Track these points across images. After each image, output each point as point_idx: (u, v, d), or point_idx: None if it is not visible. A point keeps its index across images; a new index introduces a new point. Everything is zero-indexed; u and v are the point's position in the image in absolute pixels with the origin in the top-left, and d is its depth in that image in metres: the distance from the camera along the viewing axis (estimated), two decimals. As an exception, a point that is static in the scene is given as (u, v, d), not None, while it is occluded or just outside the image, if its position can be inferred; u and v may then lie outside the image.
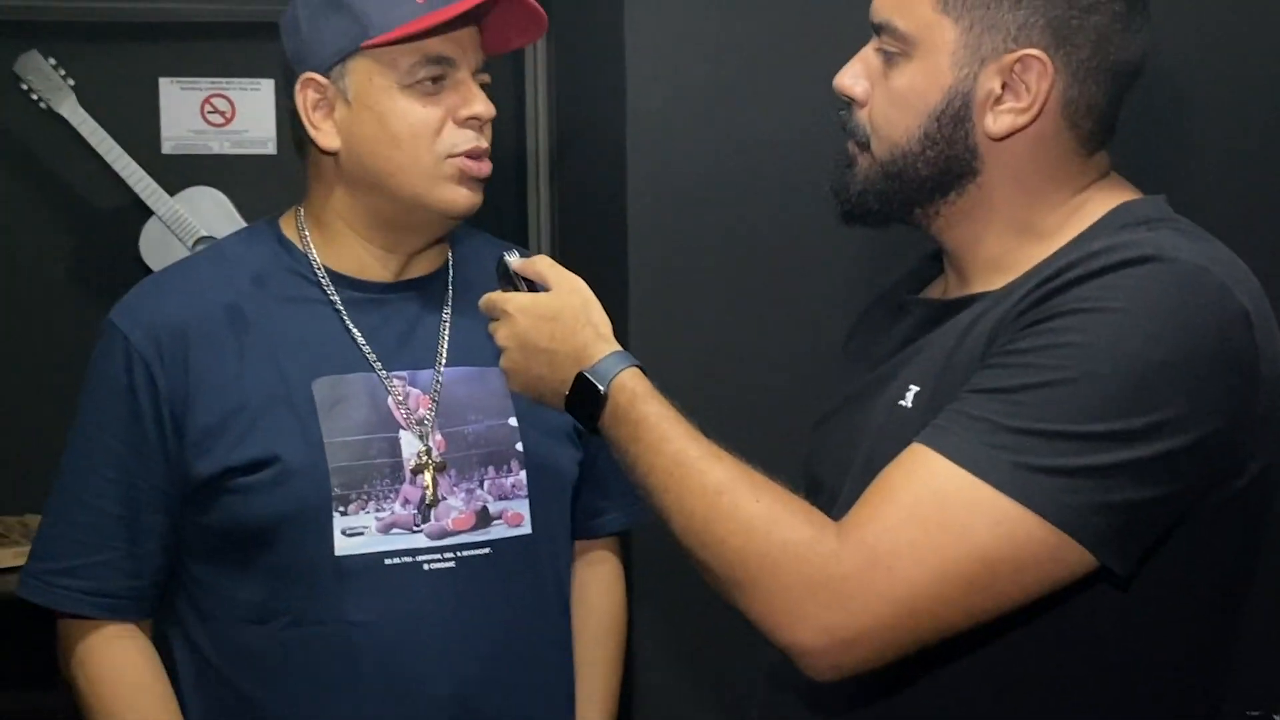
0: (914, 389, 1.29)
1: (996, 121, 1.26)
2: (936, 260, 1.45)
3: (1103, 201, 1.29)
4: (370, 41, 1.51)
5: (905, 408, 1.28)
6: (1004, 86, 1.26)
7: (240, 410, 1.53)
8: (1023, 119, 1.26)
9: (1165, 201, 1.30)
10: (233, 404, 1.53)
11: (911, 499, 1.14)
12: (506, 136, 4.03)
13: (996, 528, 1.11)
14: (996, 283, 1.29)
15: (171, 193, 3.95)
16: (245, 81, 4.10)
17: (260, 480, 1.51)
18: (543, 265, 1.44)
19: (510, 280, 1.46)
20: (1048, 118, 1.26)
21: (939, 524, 1.12)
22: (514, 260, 1.46)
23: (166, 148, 4.12)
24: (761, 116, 2.45)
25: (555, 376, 1.37)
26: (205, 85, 4.14)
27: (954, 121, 1.27)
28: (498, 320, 1.44)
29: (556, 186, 3.53)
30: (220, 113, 4.14)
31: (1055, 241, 1.27)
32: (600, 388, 1.32)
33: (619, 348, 1.36)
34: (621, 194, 2.50)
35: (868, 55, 1.34)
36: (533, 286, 1.44)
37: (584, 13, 2.91)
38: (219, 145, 4.16)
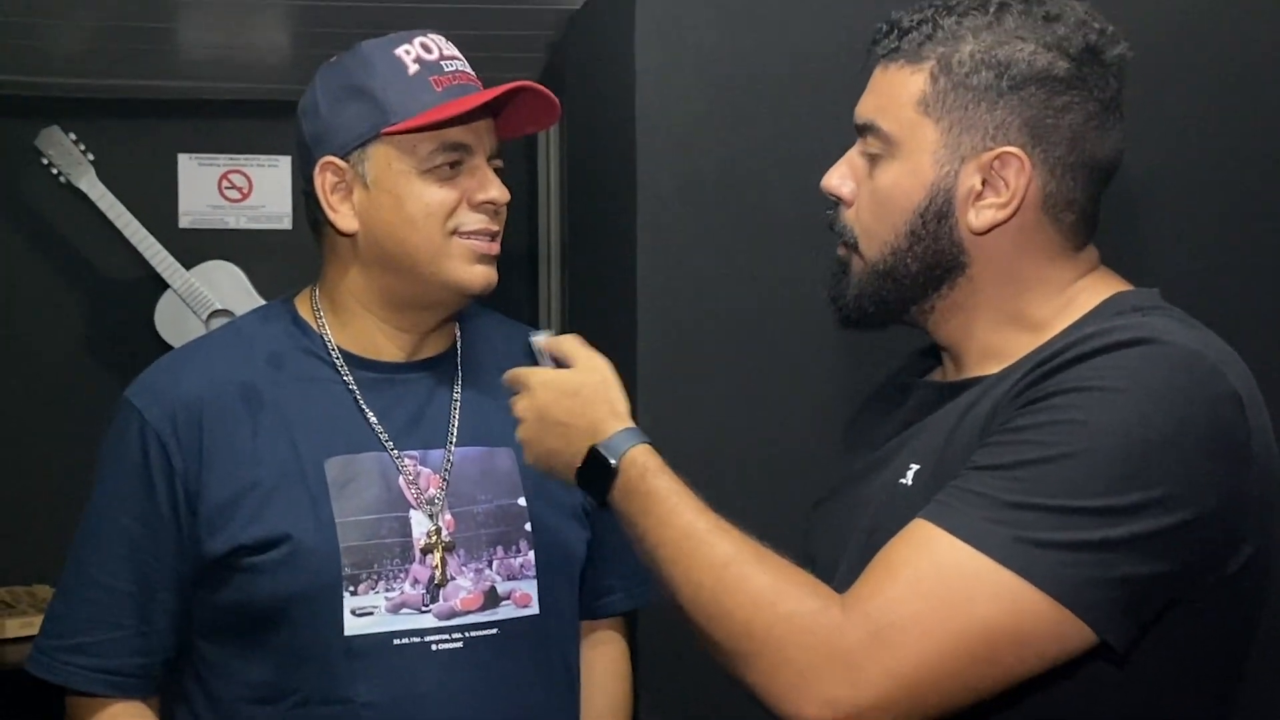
0: (914, 467, 1.31)
1: (978, 216, 1.30)
2: (931, 354, 1.48)
3: (1095, 293, 1.32)
4: (390, 129, 1.54)
5: (905, 485, 1.31)
6: (984, 183, 1.30)
7: (253, 489, 1.54)
8: (1003, 214, 1.30)
9: (1159, 295, 1.33)
10: (245, 482, 1.54)
11: (914, 573, 1.16)
12: (519, 220, 4.07)
13: (998, 601, 1.13)
14: (993, 368, 1.32)
15: (188, 267, 3.99)
16: (263, 158, 4.17)
17: (271, 559, 1.52)
18: (568, 344, 1.48)
19: (535, 358, 1.50)
20: (1028, 212, 1.30)
21: (942, 598, 1.14)
22: (539, 338, 1.50)
23: (184, 222, 4.18)
24: (772, 202, 2.48)
25: (569, 450, 1.40)
26: (223, 161, 4.20)
27: (938, 217, 1.31)
28: (519, 394, 1.47)
29: (568, 270, 3.56)
30: (237, 188, 4.20)
31: (1049, 331, 1.30)
32: (611, 461, 1.35)
33: (633, 425, 1.39)
34: (631, 277, 2.52)
35: (852, 157, 1.39)
36: (558, 365, 1.48)
37: (596, 99, 2.95)
38: (236, 220, 4.21)
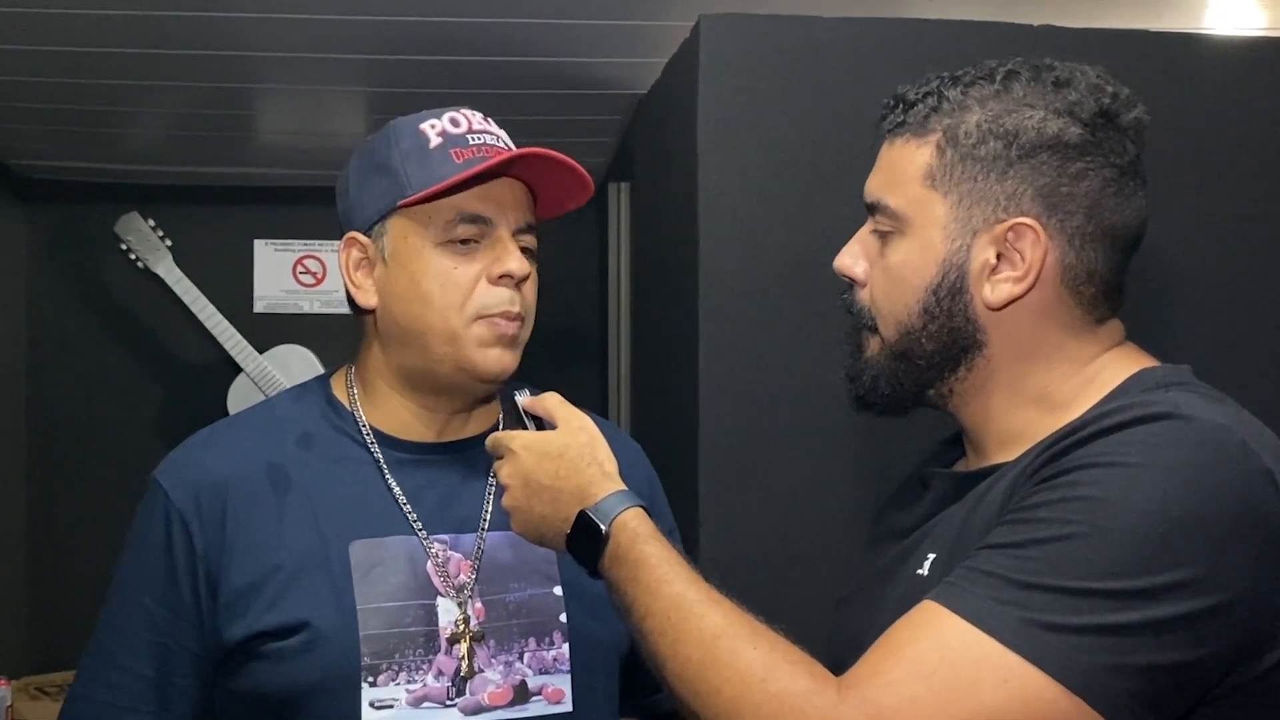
0: (931, 557, 1.26)
1: (994, 291, 1.25)
2: (956, 443, 1.43)
3: (1119, 370, 1.26)
4: (405, 200, 1.51)
5: (922, 576, 1.25)
6: (999, 256, 1.25)
7: (274, 572, 1.49)
8: (1019, 287, 1.25)
9: (1190, 371, 1.26)
10: (268, 566, 1.49)
11: (916, 654, 1.09)
12: (590, 306, 4.06)
13: (1004, 686, 1.06)
14: (1014, 454, 1.25)
15: (262, 350, 4.01)
16: (337, 243, 4.18)
17: (289, 647, 1.46)
18: (551, 402, 1.42)
19: (518, 418, 1.44)
20: (1047, 285, 1.25)
21: (945, 681, 1.07)
22: (522, 398, 1.44)
23: (259, 306, 4.22)
24: (833, 286, 2.43)
25: (558, 515, 1.35)
26: (298, 246, 4.24)
27: (951, 294, 1.26)
28: (502, 458, 1.41)
29: (635, 355, 3.53)
30: (311, 273, 4.23)
31: (1072, 410, 1.24)
32: (602, 527, 1.30)
33: (624, 487, 1.34)
34: (693, 362, 2.48)
35: (864, 236, 1.35)
36: (540, 425, 1.42)
37: (661, 182, 2.94)
38: (309, 305, 4.24)
